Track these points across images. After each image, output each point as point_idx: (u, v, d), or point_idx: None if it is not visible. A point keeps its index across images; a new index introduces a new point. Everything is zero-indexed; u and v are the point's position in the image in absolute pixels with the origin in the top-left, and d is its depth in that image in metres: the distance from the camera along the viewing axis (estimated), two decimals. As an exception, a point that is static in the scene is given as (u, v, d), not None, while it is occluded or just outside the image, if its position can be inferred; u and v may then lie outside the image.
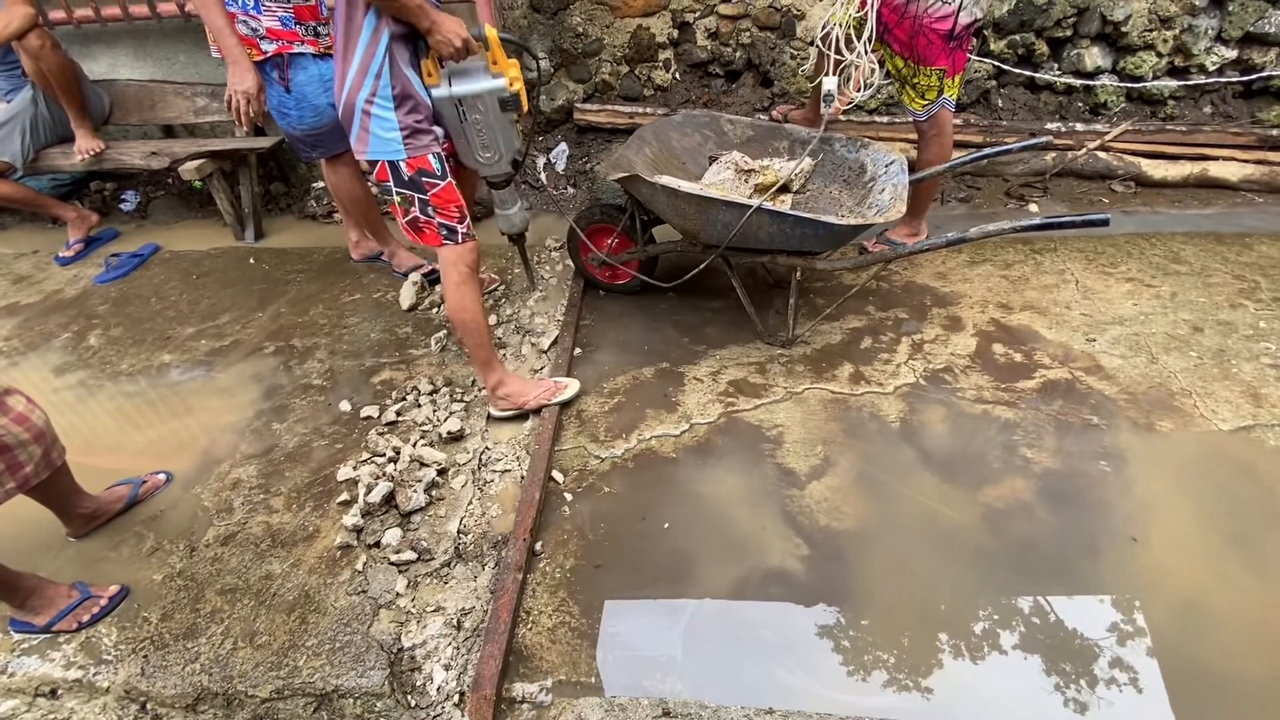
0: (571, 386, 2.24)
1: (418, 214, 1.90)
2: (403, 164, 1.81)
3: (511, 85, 1.84)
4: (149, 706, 1.56)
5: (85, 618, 1.68)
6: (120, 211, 3.81)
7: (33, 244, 3.56)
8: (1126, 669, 1.50)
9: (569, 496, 1.96)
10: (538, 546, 1.82)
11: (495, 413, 2.20)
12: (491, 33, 1.80)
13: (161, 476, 2.08)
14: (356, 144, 1.83)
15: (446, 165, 1.88)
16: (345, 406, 2.32)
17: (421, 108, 1.80)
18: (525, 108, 1.91)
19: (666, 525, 1.86)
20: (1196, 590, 1.63)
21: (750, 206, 2.07)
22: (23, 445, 1.58)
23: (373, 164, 1.84)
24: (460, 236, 1.95)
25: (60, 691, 1.59)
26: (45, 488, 1.72)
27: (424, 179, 1.85)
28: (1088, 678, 1.49)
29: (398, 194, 1.87)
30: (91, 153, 3.19)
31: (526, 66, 1.95)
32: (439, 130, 1.87)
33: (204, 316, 2.86)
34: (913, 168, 2.60)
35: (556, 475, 2.01)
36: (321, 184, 3.65)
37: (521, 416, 2.20)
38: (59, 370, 2.63)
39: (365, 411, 2.28)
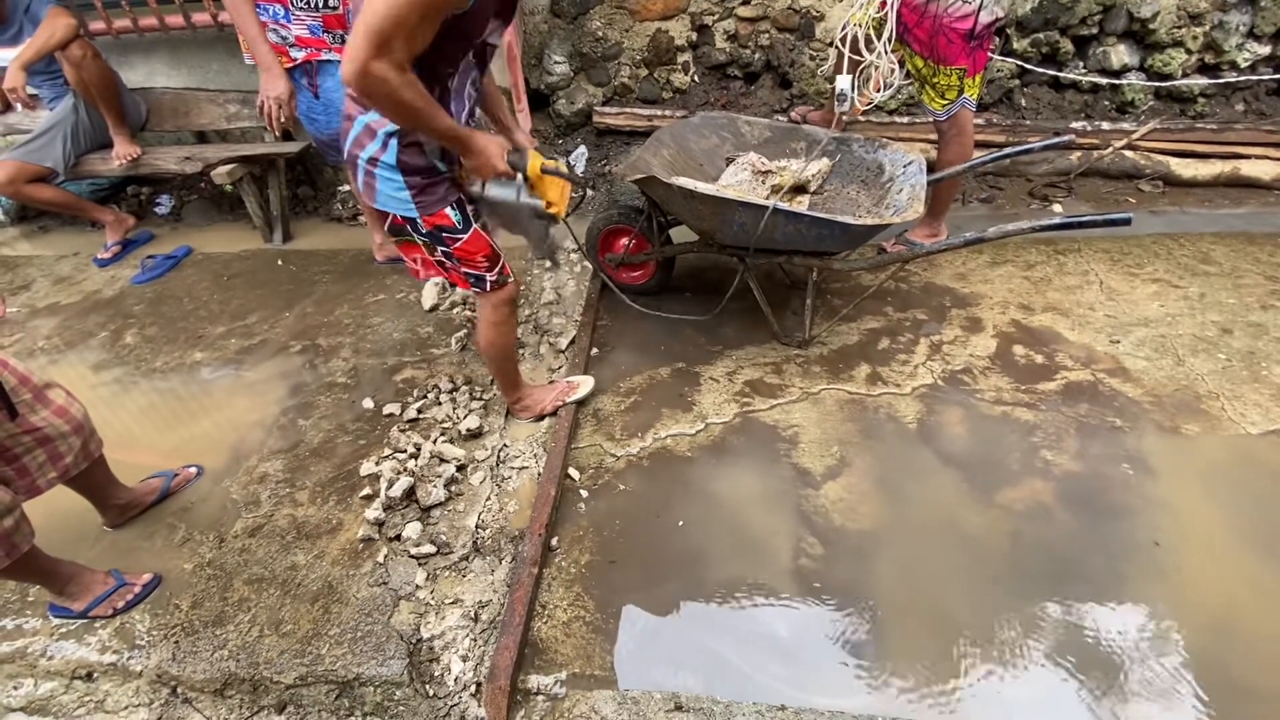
0: (585, 384, 2.26)
1: (443, 259, 1.78)
2: (418, 219, 1.66)
3: (549, 208, 1.73)
4: (179, 690, 1.62)
5: (120, 604, 1.74)
6: (155, 215, 3.93)
7: (73, 246, 3.70)
8: (1150, 678, 1.47)
9: (585, 494, 1.98)
10: (553, 542, 1.85)
11: (516, 417, 2.25)
12: (534, 167, 1.68)
13: (193, 470, 2.15)
14: (362, 193, 1.65)
15: (469, 212, 1.70)
16: (368, 404, 2.37)
17: (434, 170, 1.62)
18: (563, 215, 1.79)
19: (681, 523, 1.87)
20: (1224, 598, 1.60)
21: (767, 207, 2.08)
22: (63, 437, 1.66)
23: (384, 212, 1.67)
24: (489, 285, 1.81)
25: (96, 675, 1.65)
26: (84, 478, 1.80)
27: (444, 234, 1.69)
28: (1109, 687, 1.47)
29: (419, 238, 1.73)
30: (129, 158, 3.30)
31: (575, 188, 1.85)
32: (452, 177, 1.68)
33: (234, 316, 2.95)
34: (932, 168, 2.58)
35: (572, 472, 2.04)
36: (347, 187, 3.73)
37: (542, 418, 2.23)
38: (97, 367, 2.73)
39: (387, 409, 2.33)
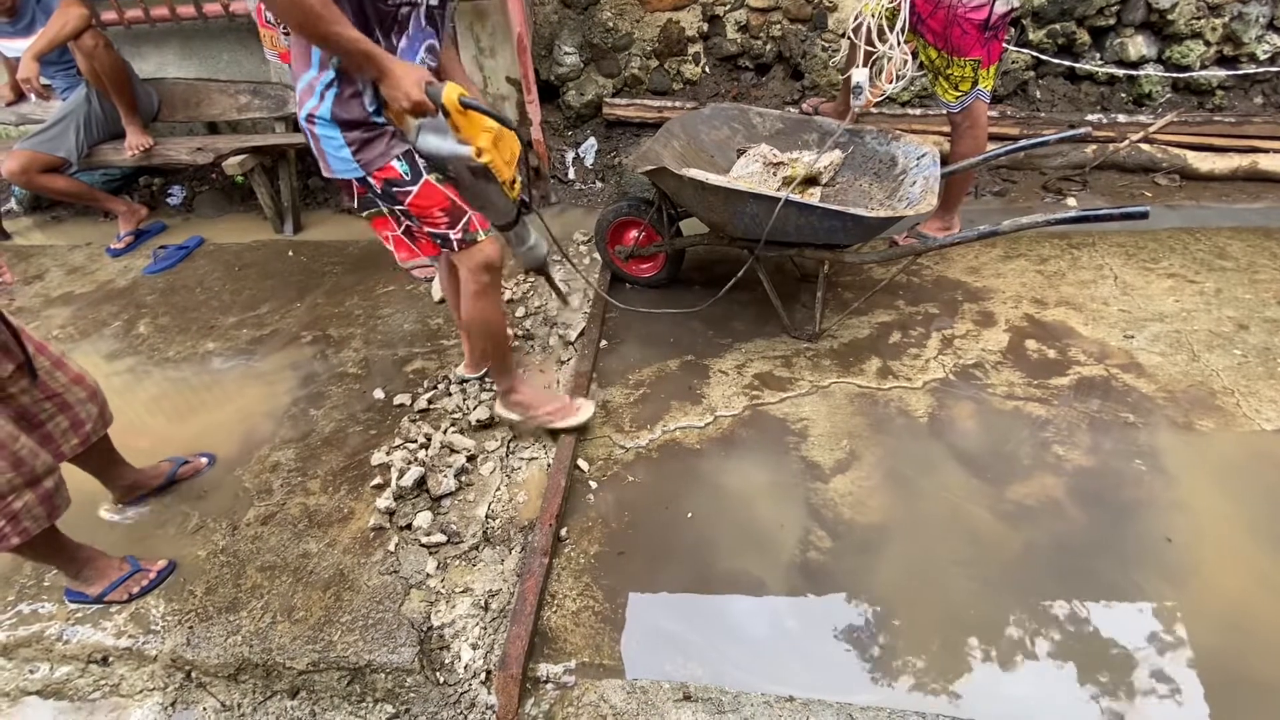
0: (585, 410, 2.06)
1: (409, 223, 1.71)
2: (370, 179, 1.60)
3: (479, 156, 1.55)
4: (194, 675, 1.64)
5: (135, 589, 1.76)
6: (167, 205, 3.96)
7: (86, 236, 3.72)
8: (1161, 674, 1.47)
9: (594, 485, 1.98)
10: (563, 532, 1.85)
11: (501, 410, 2.08)
12: (450, 97, 1.48)
13: (204, 460, 2.17)
14: (320, 161, 1.63)
15: (418, 163, 1.61)
16: (379, 394, 2.38)
17: (371, 124, 1.55)
18: (508, 176, 1.63)
19: (690, 515, 1.87)
20: (1237, 594, 1.59)
21: (778, 199, 2.07)
22: (81, 403, 1.71)
23: (346, 182, 1.64)
24: (456, 244, 1.69)
25: (111, 659, 1.68)
26: (93, 456, 1.83)
27: (394, 189, 1.61)
28: (1119, 684, 1.46)
29: (381, 204, 1.67)
30: (141, 149, 3.31)
31: (520, 136, 1.68)
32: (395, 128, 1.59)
33: (245, 306, 2.97)
34: (945, 160, 2.56)
35: (582, 464, 2.04)
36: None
37: (531, 423, 2.09)
38: (110, 356, 2.75)
39: (398, 399, 2.34)
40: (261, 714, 1.58)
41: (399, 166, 1.58)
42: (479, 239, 1.70)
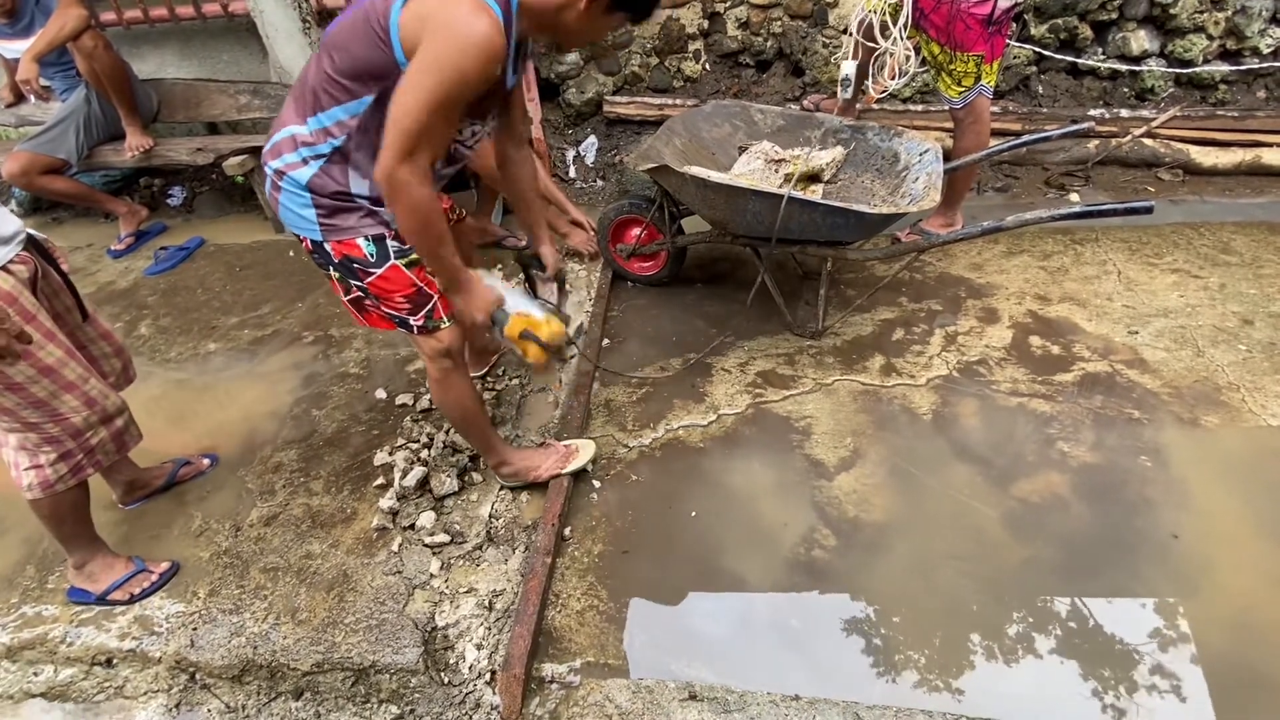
0: (586, 450, 1.95)
1: (360, 295, 1.57)
2: (326, 245, 1.46)
3: (526, 357, 1.62)
4: (198, 677, 1.63)
5: (136, 590, 1.76)
6: (168, 206, 3.95)
7: (86, 237, 3.71)
8: (1167, 671, 1.46)
9: (597, 484, 1.98)
10: (566, 532, 1.85)
11: (502, 482, 1.97)
12: (513, 332, 1.57)
13: (206, 461, 2.16)
14: (271, 206, 1.51)
15: (388, 247, 1.47)
16: (381, 394, 2.38)
17: (349, 195, 1.43)
18: (540, 370, 1.67)
19: (693, 514, 1.87)
20: (1243, 591, 1.58)
21: (781, 196, 2.06)
22: (106, 357, 1.75)
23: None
24: (414, 329, 1.56)
25: (115, 661, 1.67)
26: None
27: (354, 265, 1.47)
28: (1125, 682, 1.46)
29: (332, 270, 1.53)
30: (141, 149, 3.30)
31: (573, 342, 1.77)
32: (382, 213, 1.46)
33: (246, 307, 2.96)
34: (948, 156, 2.55)
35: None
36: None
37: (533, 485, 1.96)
38: (112, 358, 2.74)
39: (400, 399, 2.33)
40: (266, 715, 1.58)
41: (365, 246, 1.46)
42: (441, 327, 1.58)
